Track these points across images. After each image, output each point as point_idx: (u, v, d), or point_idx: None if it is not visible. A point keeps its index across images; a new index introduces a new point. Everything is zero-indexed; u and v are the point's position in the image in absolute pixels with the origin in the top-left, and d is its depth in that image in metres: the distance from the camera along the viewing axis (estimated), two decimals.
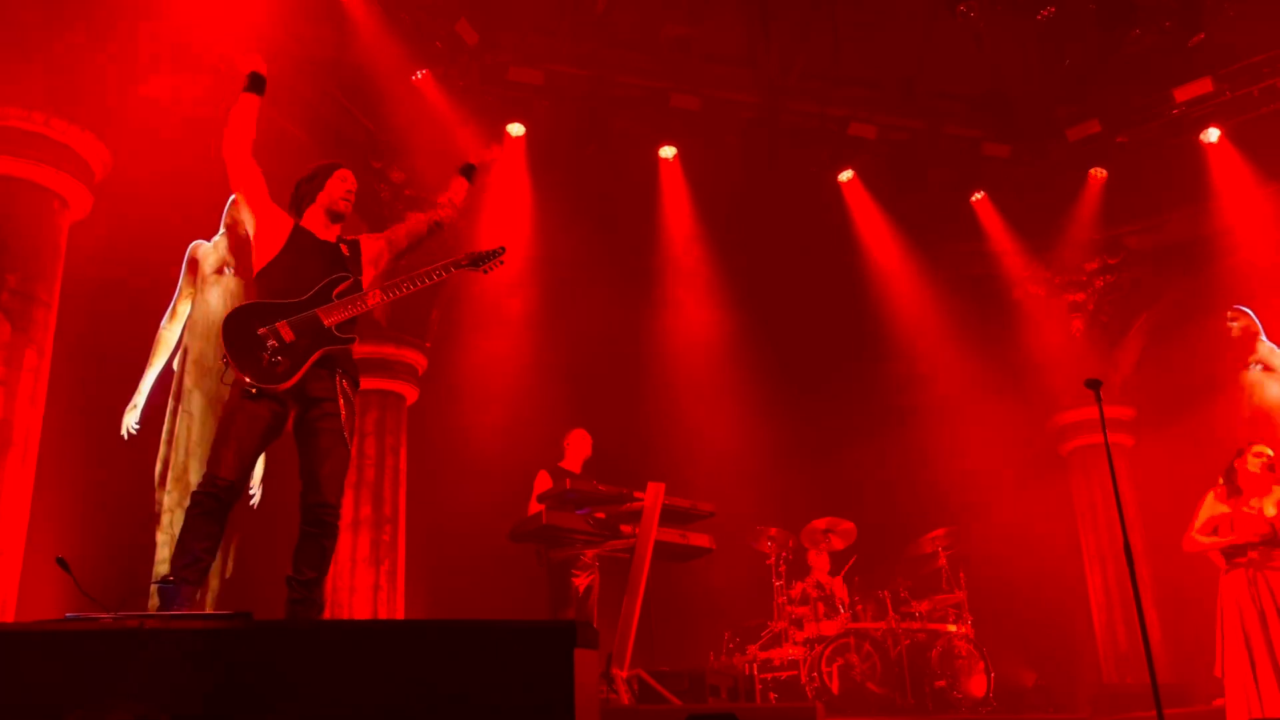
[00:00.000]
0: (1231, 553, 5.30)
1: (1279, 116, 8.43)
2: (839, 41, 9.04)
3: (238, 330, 3.69)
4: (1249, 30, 8.15)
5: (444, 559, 8.08)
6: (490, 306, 8.63)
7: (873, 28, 9.02)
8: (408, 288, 4.03)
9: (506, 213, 8.52)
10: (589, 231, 8.57)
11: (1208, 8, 8.09)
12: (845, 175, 9.38)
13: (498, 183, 8.50)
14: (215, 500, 3.61)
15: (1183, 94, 8.53)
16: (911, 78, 9.16)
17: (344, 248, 4.02)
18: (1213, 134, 8.70)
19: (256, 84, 4.05)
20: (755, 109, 8.82)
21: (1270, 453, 5.42)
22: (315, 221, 4.04)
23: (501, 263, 4.17)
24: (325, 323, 3.78)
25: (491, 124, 8.36)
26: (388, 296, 3.99)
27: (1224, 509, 5.39)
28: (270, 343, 3.67)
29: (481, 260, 4.14)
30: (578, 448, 6.89)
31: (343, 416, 3.79)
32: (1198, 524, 5.44)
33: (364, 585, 7.56)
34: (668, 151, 8.93)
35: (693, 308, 9.17)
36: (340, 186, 4.07)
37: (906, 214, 9.44)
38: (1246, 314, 6.77)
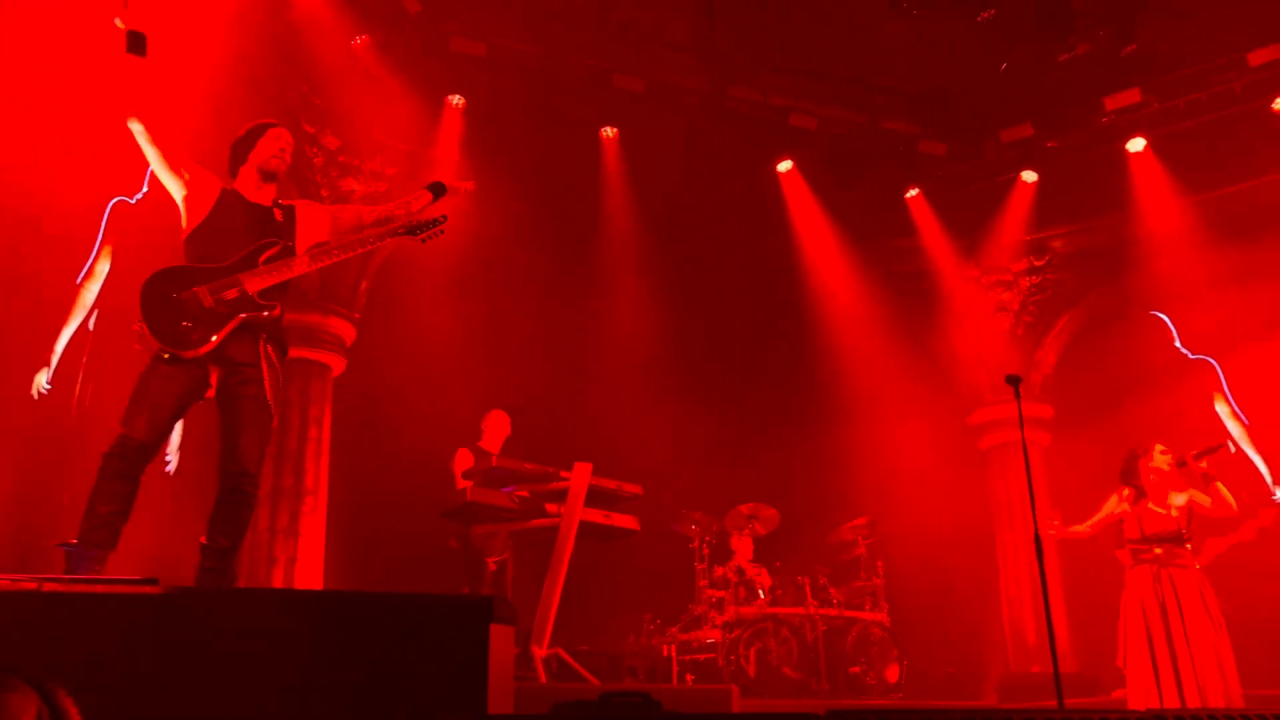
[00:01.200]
0: (1137, 549, 5.47)
1: (1202, 131, 8.69)
2: (785, 32, 9.11)
3: (155, 294, 3.61)
4: (1179, 45, 8.39)
5: (365, 533, 7.97)
6: (423, 280, 8.51)
7: (818, 20, 9.08)
8: (339, 254, 3.95)
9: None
10: (527, 209, 8.50)
11: (1142, 20, 8.29)
12: (784, 166, 9.45)
13: (435, 155, 8.38)
14: (125, 462, 3.51)
15: (1113, 103, 8.77)
16: (854, 72, 9.26)
17: (278, 212, 3.92)
18: (1138, 144, 8.94)
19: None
20: (699, 95, 8.83)
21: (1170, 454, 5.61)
22: (247, 183, 3.95)
23: (441, 233, 4.06)
24: (247, 289, 3.69)
25: (431, 94, 8.25)
26: (316, 263, 3.90)
27: (1126, 508, 5.55)
28: (188, 308, 3.58)
29: (419, 229, 4.04)
30: (496, 428, 6.85)
31: (266, 384, 3.70)
32: (1095, 518, 5.61)
33: (282, 557, 7.43)
34: (609, 132, 8.89)
35: (628, 290, 9.16)
36: (273, 145, 3.96)
37: (842, 207, 9.55)
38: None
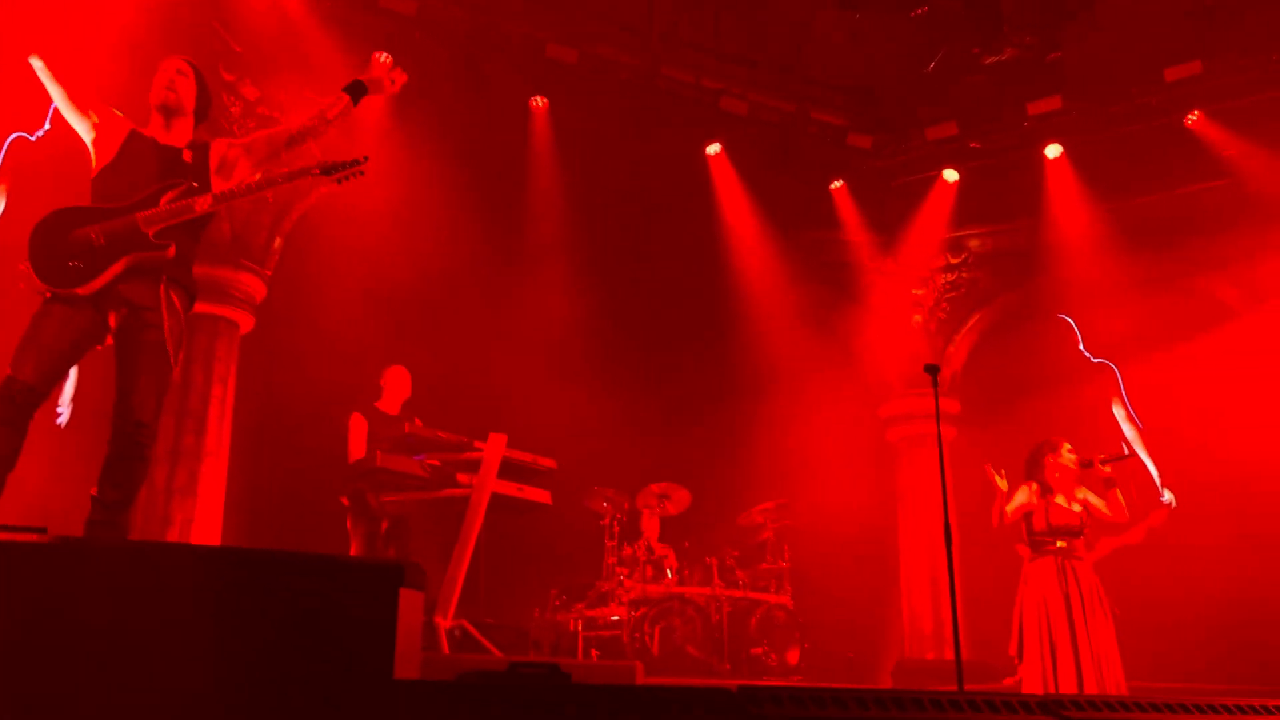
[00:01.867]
0: (1040, 542, 5.62)
1: (1117, 141, 8.95)
2: (721, 16, 9.10)
3: (45, 233, 3.50)
4: (1101, 57, 8.60)
5: (266, 496, 7.75)
6: (340, 242, 8.28)
7: (754, 6, 9.11)
8: (245, 192, 3.76)
9: (364, 145, 8.19)
10: (450, 173, 8.32)
11: (1067, 30, 8.49)
12: (713, 148, 9.45)
13: (358, 112, 8.14)
14: (11, 406, 3.34)
15: (1034, 108, 8.97)
16: (786, 61, 9.29)
17: (188, 153, 3.76)
18: (1055, 150, 9.18)
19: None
20: (632, 71, 8.76)
21: (1076, 453, 5.78)
22: (155, 125, 3.83)
23: (361, 173, 3.89)
24: (142, 229, 3.53)
25: (358, 50, 8.01)
26: (220, 203, 3.70)
27: (1035, 501, 5.70)
28: (76, 247, 3.44)
29: (335, 169, 3.86)
30: (396, 387, 6.54)
31: (165, 329, 3.53)
32: (1011, 506, 5.69)
33: (178, 518, 7.17)
34: (539, 101, 8.77)
35: (551, 263, 9.06)
36: (161, 78, 3.81)
37: (768, 194, 9.59)
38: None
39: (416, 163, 8.22)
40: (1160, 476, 7.79)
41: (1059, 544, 5.54)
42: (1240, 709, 2.88)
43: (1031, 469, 5.79)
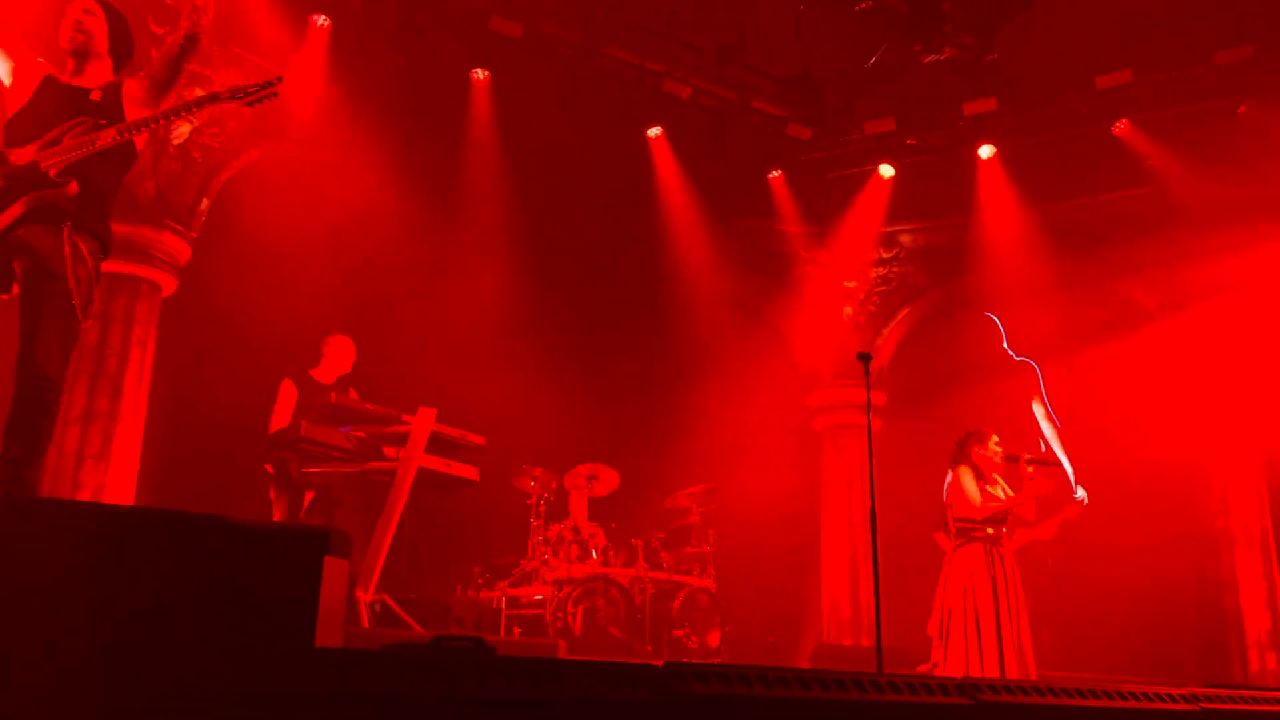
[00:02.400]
0: (969, 529, 5.70)
1: (1048, 144, 9.16)
2: None
3: None
4: (1036, 61, 8.79)
5: (184, 464, 7.54)
6: (270, 206, 8.08)
7: None
8: (150, 121, 3.55)
9: (300, 110, 8.00)
10: (387, 142, 8.17)
11: (1004, 32, 8.64)
12: (654, 131, 9.43)
13: (294, 76, 7.95)
14: None
15: (970, 108, 9.13)
16: (729, 48, 9.30)
17: (96, 93, 3.62)
18: (988, 150, 9.36)
19: None
20: (575, 49, 8.69)
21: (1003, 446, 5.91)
22: (65, 67, 3.71)
23: (274, 95, 3.67)
24: (41, 166, 3.38)
25: (296, 11, 7.81)
26: (123, 136, 3.47)
27: (975, 487, 5.78)
28: None
29: (244, 93, 3.64)
30: (337, 356, 6.37)
31: (70, 278, 3.36)
32: (978, 495, 5.72)
33: (89, 484, 6.94)
34: (480, 74, 8.66)
35: (488, 238, 8.95)
36: (67, 19, 3.68)
37: (707, 180, 9.62)
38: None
39: (353, 130, 8.06)
40: (1075, 474, 8.02)
41: (988, 530, 5.64)
42: (1145, 696, 2.98)
43: (961, 457, 5.88)
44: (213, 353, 7.82)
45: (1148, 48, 8.46)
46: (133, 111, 3.62)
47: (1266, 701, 3.14)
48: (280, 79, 3.63)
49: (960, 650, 5.39)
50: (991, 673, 5.21)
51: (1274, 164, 8.32)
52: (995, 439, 5.88)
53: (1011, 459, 5.86)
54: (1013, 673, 5.25)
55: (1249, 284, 8.47)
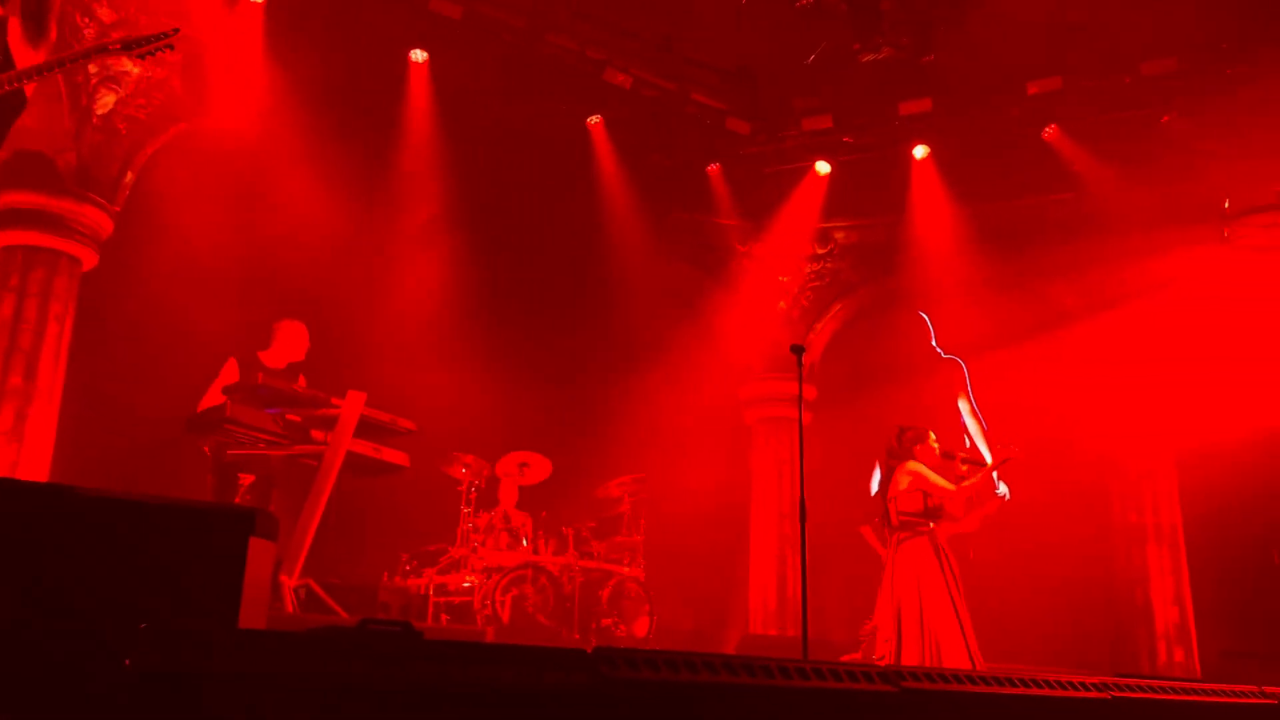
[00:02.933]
0: (914, 523, 5.76)
1: (979, 147, 9.33)
2: None
3: None
4: (971, 64, 8.94)
5: (103, 443, 7.32)
6: (198, 182, 7.87)
7: None
8: (35, 71, 3.34)
9: (232, 87, 7.81)
10: (324, 121, 8.01)
11: (941, 34, 8.78)
12: (594, 119, 9.40)
13: (226, 49, 7.76)
14: None
15: (905, 108, 9.26)
16: (670, 39, 9.30)
17: None
18: (922, 150, 9.51)
19: None
20: (516, 33, 8.61)
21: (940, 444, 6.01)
22: None
23: (170, 48, 3.51)
24: None
25: None
26: (6, 86, 3.34)
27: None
28: None
29: (137, 44, 3.48)
30: (289, 342, 6.25)
31: None
32: (945, 487, 5.80)
33: (3, 461, 6.72)
34: (419, 55, 8.53)
35: (424, 224, 8.84)
36: None
37: (646, 170, 9.61)
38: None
39: (287, 108, 7.89)
40: (997, 470, 8.20)
41: (930, 525, 5.73)
42: (1061, 685, 3.06)
43: (902, 452, 5.94)
44: (135, 330, 7.60)
45: (1078, 55, 8.67)
46: (17, 49, 3.43)
47: (1173, 691, 3.25)
48: (177, 31, 3.47)
49: (916, 642, 5.45)
50: (949, 663, 5.29)
51: (1194, 173, 8.59)
52: (933, 435, 5.98)
53: (947, 455, 5.95)
54: (967, 661, 5.33)
55: (1166, 288, 8.74)
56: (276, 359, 6.22)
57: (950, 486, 5.78)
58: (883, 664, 5.48)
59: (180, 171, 7.77)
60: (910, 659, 5.43)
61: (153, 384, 7.09)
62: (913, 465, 5.87)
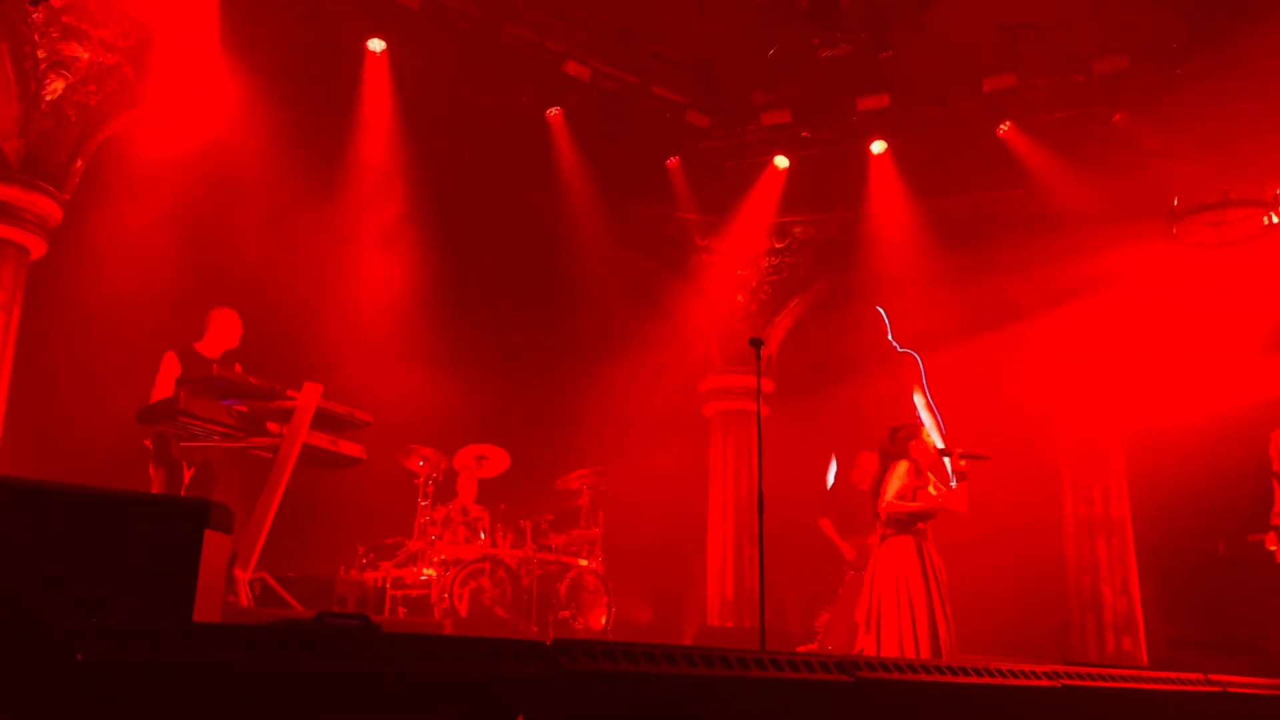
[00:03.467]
0: (904, 522, 5.79)
1: (935, 143, 9.44)
2: None
3: None
4: (931, 59, 9.03)
5: (53, 434, 7.18)
6: (151, 171, 7.73)
7: None
8: None
9: (188, 72, 7.68)
10: (280, 111, 7.90)
11: (899, 30, 8.86)
12: (553, 111, 9.37)
13: (181, 37, 7.63)
14: None
15: (864, 103, 9.33)
16: (630, 31, 9.29)
17: None
18: (880, 146, 9.59)
19: None
20: (475, 23, 8.56)
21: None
22: None
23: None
24: None
25: None
26: None
27: (912, 481, 5.84)
28: None
29: None
30: (222, 330, 6.19)
31: None
32: (893, 491, 5.80)
33: None
34: (376, 45, 8.44)
35: (383, 216, 8.75)
36: None
37: (606, 163, 9.60)
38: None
39: (244, 97, 7.78)
40: (952, 463, 8.30)
41: (920, 525, 5.74)
42: (1013, 673, 3.12)
43: (895, 450, 5.93)
44: (84, 321, 7.46)
45: (1032, 53, 8.79)
46: None
47: (1120, 679, 3.33)
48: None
49: (894, 637, 5.48)
50: (927, 652, 5.34)
51: (1144, 171, 8.75)
52: (926, 432, 5.98)
53: (945, 454, 5.95)
54: (949, 658, 5.37)
55: (1116, 283, 8.90)
56: (211, 348, 6.15)
57: (890, 495, 5.78)
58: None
59: (133, 160, 7.63)
60: (890, 653, 5.47)
61: (101, 376, 6.97)
62: (898, 465, 5.87)
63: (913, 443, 5.92)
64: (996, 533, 8.64)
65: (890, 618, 5.56)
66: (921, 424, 6.05)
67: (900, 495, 5.79)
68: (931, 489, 5.91)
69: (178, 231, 7.61)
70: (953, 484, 6.91)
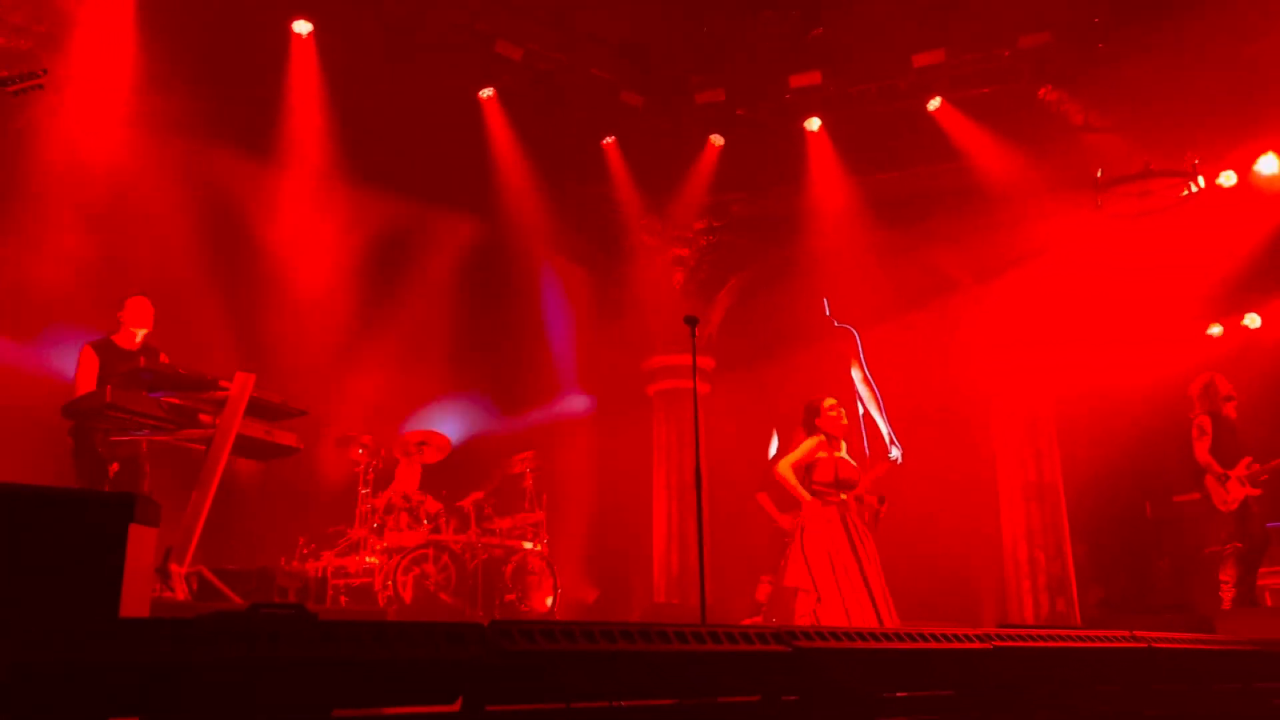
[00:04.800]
0: (823, 493, 5.84)
1: (870, 119, 9.52)
2: None
3: None
4: (859, 37, 9.10)
5: None
6: (71, 158, 7.50)
7: None
8: None
9: (107, 59, 7.47)
10: (202, 95, 7.71)
11: (829, 7, 8.91)
12: (486, 92, 9.28)
13: (97, 22, 7.41)
14: None
15: (797, 81, 9.38)
16: (561, 12, 9.22)
17: None
18: (814, 123, 9.65)
19: None
20: (403, 3, 8.43)
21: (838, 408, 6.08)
22: None
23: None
24: None
25: None
26: None
27: (823, 455, 5.92)
28: None
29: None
30: (135, 318, 6.01)
31: None
32: (794, 457, 5.88)
33: None
34: (302, 27, 8.28)
35: (310, 201, 8.60)
36: None
37: (541, 144, 9.54)
38: None
39: (164, 82, 7.58)
40: (891, 433, 8.43)
41: (842, 496, 5.81)
42: (946, 636, 3.19)
43: (808, 426, 6.00)
44: (4, 315, 7.24)
45: (960, 29, 8.90)
46: None
47: (1049, 639, 3.42)
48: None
49: (837, 603, 5.53)
50: (859, 618, 5.41)
51: (1068, 144, 8.94)
52: (830, 401, 6.04)
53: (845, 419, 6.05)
54: (885, 621, 5.45)
55: (1045, 254, 9.09)
56: (127, 339, 6.00)
57: (796, 456, 5.87)
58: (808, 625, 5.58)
59: (50, 145, 7.40)
60: (830, 619, 5.52)
61: (22, 368, 6.78)
62: (804, 440, 5.95)
63: (818, 419, 5.98)
64: (935, 501, 8.82)
65: (828, 584, 5.63)
66: (823, 394, 6.10)
67: (799, 466, 5.86)
68: (852, 460, 5.95)
69: (99, 221, 7.41)
70: (892, 454, 6.98)
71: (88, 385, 5.59)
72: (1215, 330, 9.33)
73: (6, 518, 2.10)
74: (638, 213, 10.38)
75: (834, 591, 5.58)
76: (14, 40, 7.24)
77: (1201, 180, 8.16)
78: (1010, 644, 3.31)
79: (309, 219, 8.59)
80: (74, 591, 2.00)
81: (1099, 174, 8.38)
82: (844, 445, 6.07)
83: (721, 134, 9.90)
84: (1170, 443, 7.80)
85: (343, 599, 6.97)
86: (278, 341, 7.86)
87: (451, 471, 8.18)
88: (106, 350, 5.80)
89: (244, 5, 7.94)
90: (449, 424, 8.33)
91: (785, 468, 5.86)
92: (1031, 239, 9.13)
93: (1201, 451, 7.08)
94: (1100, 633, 3.61)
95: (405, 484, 7.77)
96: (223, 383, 5.36)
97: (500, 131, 9.41)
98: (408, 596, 6.89)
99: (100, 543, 2.13)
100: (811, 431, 6.00)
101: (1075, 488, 9.34)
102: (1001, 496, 9.57)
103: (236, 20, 7.92)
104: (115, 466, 5.54)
